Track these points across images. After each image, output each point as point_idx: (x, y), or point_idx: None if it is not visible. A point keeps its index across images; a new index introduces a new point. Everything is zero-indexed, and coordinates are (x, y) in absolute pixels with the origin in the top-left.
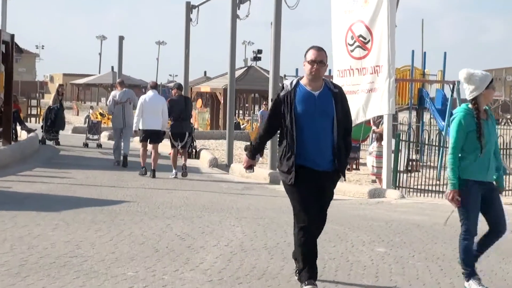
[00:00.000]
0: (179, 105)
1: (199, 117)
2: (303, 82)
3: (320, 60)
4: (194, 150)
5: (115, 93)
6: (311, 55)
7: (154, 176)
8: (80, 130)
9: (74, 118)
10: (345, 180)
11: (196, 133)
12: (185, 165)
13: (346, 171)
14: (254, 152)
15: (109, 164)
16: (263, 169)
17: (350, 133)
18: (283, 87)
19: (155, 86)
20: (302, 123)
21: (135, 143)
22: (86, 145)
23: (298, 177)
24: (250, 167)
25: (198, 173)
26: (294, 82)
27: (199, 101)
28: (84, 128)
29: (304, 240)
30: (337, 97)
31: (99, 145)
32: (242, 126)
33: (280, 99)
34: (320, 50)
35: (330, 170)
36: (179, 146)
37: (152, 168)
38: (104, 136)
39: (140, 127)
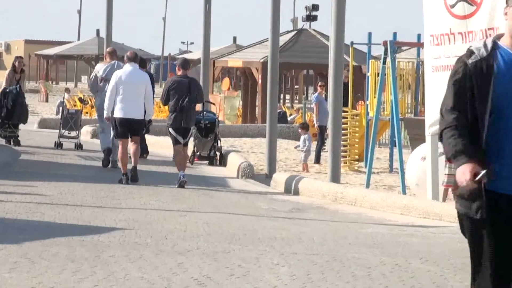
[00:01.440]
0: (181, 90)
1: (226, 105)
2: (506, 42)
3: None
4: (218, 153)
5: (100, 67)
6: None
7: (133, 180)
8: (50, 124)
9: (41, 106)
10: None
11: (222, 128)
12: (184, 167)
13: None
14: (472, 150)
15: (94, 172)
16: (319, 182)
17: None
18: (470, 53)
19: (133, 58)
20: (507, 110)
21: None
22: (59, 145)
23: (492, 208)
24: (476, 176)
25: (224, 187)
26: (489, 44)
27: (226, 82)
28: (57, 121)
29: None
30: None
31: (79, 146)
32: (289, 118)
33: (470, 68)
34: None
35: None
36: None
37: (133, 165)
38: (86, 133)
39: (114, 115)
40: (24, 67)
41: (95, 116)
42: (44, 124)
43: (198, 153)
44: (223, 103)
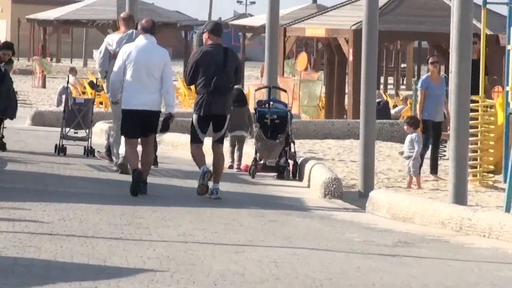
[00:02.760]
0: (214, 64)
1: (303, 92)
2: None
3: None
4: (291, 162)
5: (112, 38)
6: None
7: (140, 191)
8: (49, 120)
9: (36, 94)
10: None
11: (296, 126)
12: (218, 177)
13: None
14: None
15: (111, 189)
16: (437, 203)
17: None
18: None
19: (150, 28)
20: None
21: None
22: (61, 150)
23: None
24: None
25: (299, 211)
26: None
27: (303, 59)
28: (58, 116)
29: None
30: None
31: (90, 151)
32: (394, 111)
33: None
34: None
35: None
36: (214, 139)
37: (142, 170)
38: (99, 132)
39: (122, 106)
40: (10, 57)
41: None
42: (40, 119)
43: (261, 161)
44: (298, 89)
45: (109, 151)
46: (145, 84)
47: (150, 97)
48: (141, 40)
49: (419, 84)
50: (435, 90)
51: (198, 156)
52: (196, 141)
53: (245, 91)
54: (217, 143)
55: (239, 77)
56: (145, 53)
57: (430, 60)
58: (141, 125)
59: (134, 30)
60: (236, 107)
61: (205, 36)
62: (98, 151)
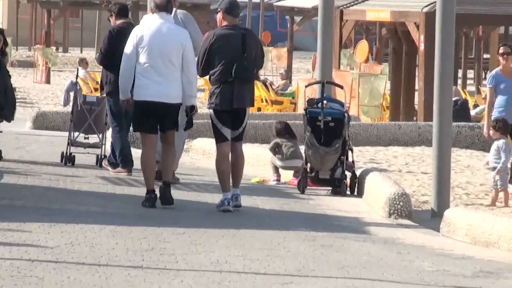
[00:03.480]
0: (229, 48)
1: (363, 89)
2: None
3: None
4: (349, 174)
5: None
6: None
7: (164, 202)
8: (53, 122)
9: (38, 91)
10: None
11: (355, 129)
12: (237, 181)
13: None
14: None
15: (129, 207)
16: None
17: None
18: None
19: (164, 6)
20: None
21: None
22: (69, 159)
23: None
24: None
25: (359, 233)
26: None
27: (363, 48)
28: (65, 117)
29: None
30: None
31: (102, 160)
32: (474, 111)
33: None
34: None
35: None
36: (231, 136)
37: (163, 180)
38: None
39: (134, 97)
40: (4, 48)
41: None
42: (43, 122)
43: (313, 173)
44: (358, 85)
45: (113, 156)
46: (161, 72)
47: (168, 88)
48: (155, 20)
49: (489, 79)
50: (509, 87)
51: (224, 169)
52: (222, 139)
53: (293, 87)
54: (236, 142)
55: (260, 63)
56: (160, 36)
57: (501, 51)
58: (160, 119)
59: (175, 9)
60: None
61: (218, 16)
62: (104, 156)
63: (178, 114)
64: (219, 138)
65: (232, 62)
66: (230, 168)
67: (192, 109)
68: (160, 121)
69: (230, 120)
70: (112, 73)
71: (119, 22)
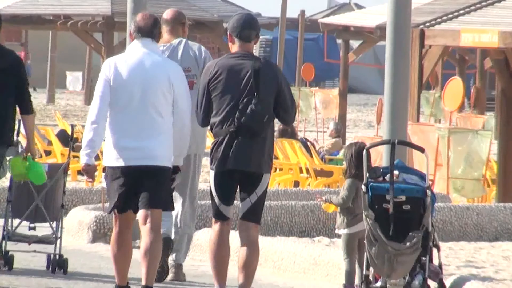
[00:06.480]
0: (236, 85)
1: (455, 152)
2: None
3: None
4: (435, 284)
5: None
6: None
7: None
8: None
9: None
10: None
11: (443, 215)
12: (247, 284)
13: None
14: None
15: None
16: None
17: None
18: None
19: (149, 29)
20: None
21: None
22: (5, 262)
23: None
24: None
25: None
26: None
27: (455, 88)
28: None
29: None
30: None
31: (58, 263)
32: None
33: None
34: None
35: None
36: (241, 212)
37: (143, 284)
38: (76, 228)
39: (106, 163)
40: None
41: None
42: None
43: (378, 283)
44: (446, 146)
45: None
46: (142, 121)
47: (151, 144)
48: (135, 49)
49: None
50: None
51: (218, 257)
52: (218, 217)
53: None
54: (247, 220)
55: (288, 115)
56: (141, 71)
57: None
58: (138, 192)
59: (184, 39)
60: None
61: (228, 39)
62: (60, 256)
63: (167, 183)
64: (216, 214)
65: (238, 103)
66: (226, 248)
67: (174, 170)
68: (140, 192)
69: (233, 187)
70: None
71: None
